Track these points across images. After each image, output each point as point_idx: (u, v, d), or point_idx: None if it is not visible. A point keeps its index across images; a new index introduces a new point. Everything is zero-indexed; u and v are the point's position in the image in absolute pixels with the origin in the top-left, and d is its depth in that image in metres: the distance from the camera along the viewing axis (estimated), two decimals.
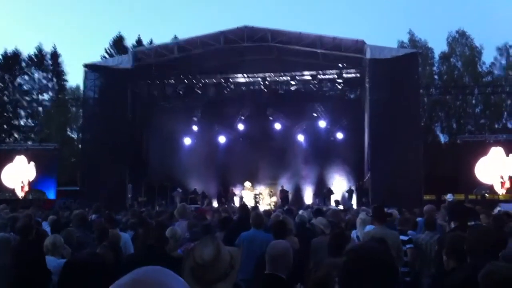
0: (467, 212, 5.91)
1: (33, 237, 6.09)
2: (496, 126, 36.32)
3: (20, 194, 25.57)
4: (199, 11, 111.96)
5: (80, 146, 30.81)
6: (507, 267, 2.79)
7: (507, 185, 23.09)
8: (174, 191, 25.55)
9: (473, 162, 23.53)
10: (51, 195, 25.79)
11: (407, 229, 7.47)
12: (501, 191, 23.18)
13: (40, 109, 41.99)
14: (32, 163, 25.72)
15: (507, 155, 23.33)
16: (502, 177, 23.13)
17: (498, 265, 2.90)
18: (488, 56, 38.35)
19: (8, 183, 25.84)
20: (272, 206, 23.25)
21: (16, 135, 42.35)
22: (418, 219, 8.83)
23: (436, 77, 38.31)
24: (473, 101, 37.05)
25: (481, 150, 23.91)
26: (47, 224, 8.70)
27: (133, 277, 1.27)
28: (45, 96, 43.69)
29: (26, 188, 25.62)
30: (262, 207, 21.16)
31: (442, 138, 38.48)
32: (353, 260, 2.10)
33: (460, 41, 38.38)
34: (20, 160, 25.87)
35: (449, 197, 17.32)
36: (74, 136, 43.24)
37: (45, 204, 22.49)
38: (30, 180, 25.66)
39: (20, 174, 25.70)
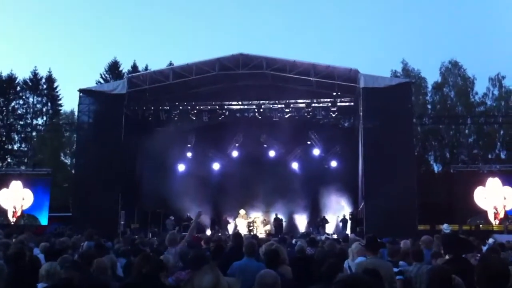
0: (462, 244, 5.89)
1: (25, 264, 6.02)
2: (490, 156, 36.50)
3: (12, 219, 25.36)
4: (194, 38, 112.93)
5: (73, 171, 30.65)
6: (500, 261, 2.77)
7: (501, 215, 23.11)
8: (167, 219, 25.39)
9: (466, 192, 23.58)
10: (43, 220, 25.60)
11: (398, 260, 7.39)
12: (494, 221, 23.19)
13: (34, 133, 41.92)
14: (27, 189, 25.61)
15: (504, 185, 23.42)
16: (496, 208, 23.16)
17: (492, 257, 2.89)
18: (481, 87, 38.83)
19: (2, 207, 25.68)
20: (266, 235, 23.09)
21: (9, 160, 42.19)
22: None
23: (429, 106, 38.64)
24: (466, 131, 37.30)
25: (475, 180, 24.00)
26: (39, 250, 8.60)
27: None
28: (39, 121, 43.71)
29: (18, 213, 25.42)
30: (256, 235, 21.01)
31: (436, 168, 38.62)
32: None
33: (453, 71, 38.85)
34: (15, 185, 25.75)
35: (445, 227, 17.21)
36: (68, 161, 43.11)
37: (37, 230, 22.29)
38: (25, 205, 25.50)
39: (14, 199, 25.55)
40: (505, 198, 23.31)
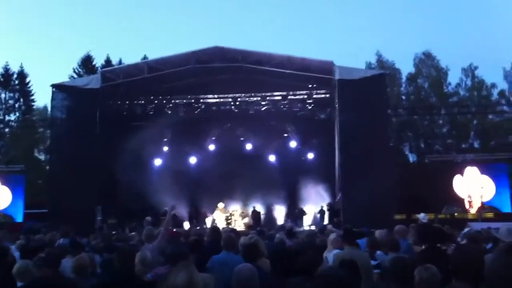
0: (436, 234, 5.95)
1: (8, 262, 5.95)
2: (463, 146, 37.05)
3: None
4: (169, 31, 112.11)
5: (47, 167, 30.25)
6: (475, 250, 2.81)
7: (476, 204, 23.45)
8: (144, 219, 25.15)
9: (441, 181, 23.88)
10: (18, 218, 25.24)
11: (375, 251, 7.46)
12: (470, 210, 23.55)
13: (7, 130, 41.25)
14: (5, 186, 25.19)
15: (481, 174, 23.77)
16: (470, 196, 23.51)
17: (467, 247, 2.94)
18: (454, 77, 39.31)
19: None
20: (244, 227, 23.13)
21: None
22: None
23: (403, 97, 39.02)
24: (440, 121, 37.79)
25: (450, 169, 24.33)
26: (15, 248, 8.46)
27: None
28: (12, 117, 43.01)
29: None
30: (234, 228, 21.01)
31: (411, 158, 39.07)
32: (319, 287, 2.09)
33: (427, 62, 39.30)
34: None
35: (422, 217, 17.44)
36: (42, 157, 42.54)
37: (12, 227, 21.95)
38: (2, 203, 25.05)
39: None
40: (482, 188, 23.64)
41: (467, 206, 23.61)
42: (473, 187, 23.66)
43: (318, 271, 3.55)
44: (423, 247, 5.76)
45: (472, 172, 23.93)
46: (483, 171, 23.98)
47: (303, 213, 25.45)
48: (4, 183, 25.39)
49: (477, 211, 23.38)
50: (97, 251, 8.15)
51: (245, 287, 3.86)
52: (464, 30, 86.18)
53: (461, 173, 23.92)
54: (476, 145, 37.21)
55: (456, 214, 23.78)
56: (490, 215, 23.37)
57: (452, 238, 8.57)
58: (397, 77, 39.15)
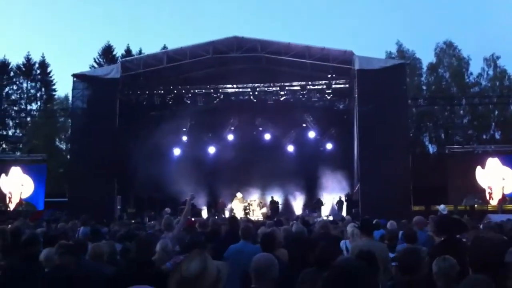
0: (455, 225, 5.91)
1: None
2: (484, 136, 36.59)
3: (9, 206, 25.27)
4: (188, 21, 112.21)
5: (68, 156, 30.59)
6: (491, 241, 2.79)
7: (497, 196, 23.17)
8: (163, 210, 25.30)
9: (461, 173, 23.63)
10: (39, 206, 25.58)
11: (395, 244, 7.43)
12: (490, 202, 23.29)
13: (28, 119, 41.78)
14: (26, 175, 25.51)
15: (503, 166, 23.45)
16: (490, 188, 23.23)
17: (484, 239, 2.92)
18: (476, 67, 38.74)
19: (2, 193, 25.59)
20: (262, 217, 23.18)
21: (4, 146, 42.07)
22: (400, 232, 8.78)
23: (424, 87, 38.59)
24: (461, 112, 37.33)
25: (470, 160, 24.05)
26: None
27: None
28: (33, 106, 43.54)
29: (16, 200, 25.34)
30: (252, 218, 21.11)
31: (431, 149, 38.71)
32: (334, 277, 2.10)
33: (448, 52, 38.77)
34: (15, 172, 25.63)
35: (442, 208, 17.24)
36: (63, 146, 43.01)
37: (33, 216, 22.27)
38: (24, 192, 25.40)
39: (13, 185, 25.46)
40: (503, 179, 23.33)
41: (487, 197, 23.34)
42: (494, 178, 23.36)
43: (335, 261, 3.56)
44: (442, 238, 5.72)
45: (493, 163, 23.61)
46: (504, 163, 23.65)
47: (321, 203, 25.41)
48: (26, 172, 25.72)
49: (497, 203, 23.13)
50: (117, 240, 8.24)
51: (265, 275, 3.88)
52: (486, 19, 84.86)
53: (482, 165, 23.60)
54: (497, 136, 36.72)
55: (476, 206, 23.56)
56: (510, 207, 23.11)
57: (471, 229, 8.50)
58: (418, 67, 38.70)
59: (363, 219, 7.42)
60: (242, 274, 4.90)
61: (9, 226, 9.53)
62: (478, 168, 23.55)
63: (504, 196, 23.23)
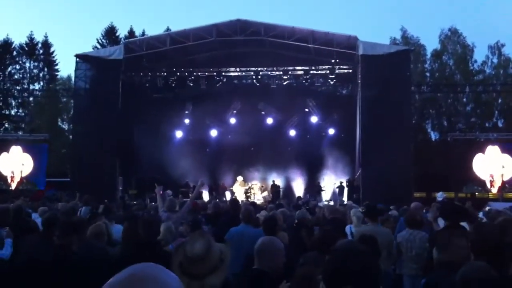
0: (459, 212, 5.92)
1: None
2: (487, 124, 36.54)
3: (11, 184, 25.30)
4: (192, 3, 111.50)
5: (70, 137, 30.61)
6: (493, 229, 2.80)
7: (497, 184, 23.19)
8: (165, 192, 25.31)
9: (463, 160, 23.62)
10: (40, 186, 25.62)
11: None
12: (491, 189, 23.30)
13: (31, 99, 41.75)
14: (27, 154, 25.49)
15: (503, 153, 23.40)
16: (492, 176, 23.24)
17: (486, 226, 2.92)
18: (480, 55, 38.61)
19: (1, 172, 25.59)
20: (263, 201, 23.26)
21: (6, 125, 42.10)
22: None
23: (427, 74, 38.44)
24: (464, 99, 37.22)
25: (472, 148, 24.02)
26: (37, 215, 8.64)
27: (131, 272, 1.32)
28: (36, 86, 43.48)
29: (17, 179, 25.37)
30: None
31: (433, 136, 38.68)
32: (336, 260, 2.10)
33: (452, 39, 38.56)
34: (15, 150, 25.61)
35: (439, 195, 17.28)
36: (65, 126, 43.04)
37: (34, 195, 22.33)
38: (25, 171, 25.39)
39: (13, 164, 25.46)
40: (503, 167, 23.33)
41: (488, 185, 23.36)
42: (495, 166, 23.36)
43: (336, 245, 3.58)
44: (442, 224, 5.74)
45: (493, 151, 23.60)
46: (505, 150, 23.63)
47: (322, 188, 25.48)
48: (26, 151, 25.69)
49: (498, 191, 23.15)
50: (118, 221, 8.27)
51: (268, 257, 3.90)
52: (491, 7, 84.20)
53: (483, 152, 23.60)
54: (500, 124, 36.65)
55: (476, 193, 23.58)
56: (511, 194, 23.13)
57: (474, 216, 8.52)
58: (422, 54, 38.51)
59: (368, 204, 7.47)
60: (243, 256, 4.94)
61: (11, 204, 9.58)
62: (479, 155, 23.54)
63: (503, 183, 23.24)
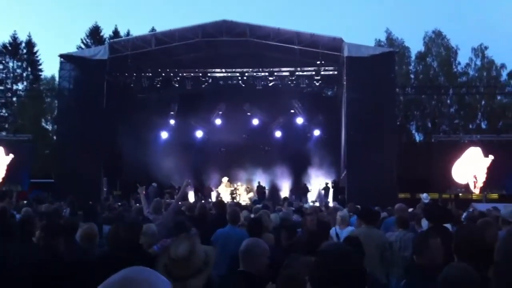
0: (443, 214, 5.98)
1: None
2: (470, 126, 36.88)
3: None
4: (177, 3, 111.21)
5: (54, 137, 30.32)
6: (476, 231, 2.81)
7: (479, 185, 23.37)
8: (150, 185, 25.29)
9: (447, 162, 23.78)
10: (24, 187, 25.34)
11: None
12: (474, 191, 23.48)
13: (15, 99, 41.31)
14: (11, 154, 25.17)
15: (486, 156, 23.55)
16: (475, 177, 23.41)
17: (469, 227, 2.95)
18: (464, 57, 38.92)
19: None
20: (249, 202, 23.25)
21: None
22: (390, 218, 8.87)
23: (412, 76, 38.72)
24: (448, 101, 37.55)
25: (455, 150, 24.18)
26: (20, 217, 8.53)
27: (123, 275, 1.36)
28: (20, 86, 43.04)
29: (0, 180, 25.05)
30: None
31: (417, 137, 38.96)
32: (322, 262, 2.13)
33: (436, 41, 38.86)
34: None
35: (425, 197, 17.44)
36: (49, 127, 42.64)
37: (18, 196, 22.10)
38: (7, 172, 25.06)
39: None
40: (484, 168, 23.52)
41: (471, 187, 23.56)
42: (476, 167, 23.56)
43: (321, 246, 3.59)
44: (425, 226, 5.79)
45: (475, 152, 23.80)
46: (488, 152, 23.83)
47: (307, 189, 25.55)
48: (11, 152, 25.39)
49: (479, 192, 23.36)
50: (102, 222, 8.21)
51: (254, 259, 3.89)
52: (475, 9, 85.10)
53: (466, 154, 23.82)
54: (483, 125, 37.03)
55: (460, 194, 23.77)
56: (494, 196, 23.36)
57: (457, 218, 8.61)
58: (406, 56, 38.76)
59: (363, 207, 7.50)
60: (229, 257, 4.93)
61: None
62: (462, 157, 23.73)
63: (485, 184, 23.42)
